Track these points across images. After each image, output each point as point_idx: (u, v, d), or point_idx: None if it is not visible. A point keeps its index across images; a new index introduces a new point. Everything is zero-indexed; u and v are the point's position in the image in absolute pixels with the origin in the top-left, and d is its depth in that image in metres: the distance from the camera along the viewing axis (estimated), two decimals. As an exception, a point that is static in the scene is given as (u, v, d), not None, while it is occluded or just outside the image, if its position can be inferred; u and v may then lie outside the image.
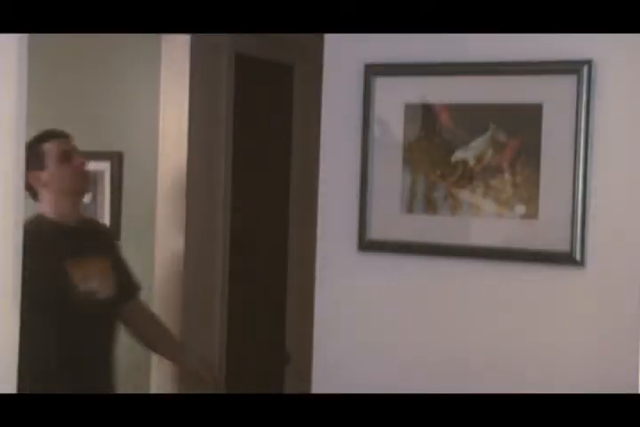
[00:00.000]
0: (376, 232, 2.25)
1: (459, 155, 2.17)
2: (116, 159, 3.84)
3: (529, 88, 2.10)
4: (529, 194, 2.11)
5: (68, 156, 3.12)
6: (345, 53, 2.28)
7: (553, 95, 2.08)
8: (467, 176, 2.16)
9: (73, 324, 3.06)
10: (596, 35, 2.01)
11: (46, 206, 3.11)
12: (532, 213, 2.11)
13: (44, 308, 2.98)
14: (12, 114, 2.39)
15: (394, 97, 2.23)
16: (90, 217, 3.43)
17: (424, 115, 2.20)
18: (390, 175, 2.23)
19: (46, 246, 3.02)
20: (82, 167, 3.15)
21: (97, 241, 3.23)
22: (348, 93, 2.27)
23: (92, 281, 3.07)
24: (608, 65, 2.04)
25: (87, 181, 3.23)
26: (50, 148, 3.11)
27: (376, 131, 2.24)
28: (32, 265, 2.91)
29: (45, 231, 3.08)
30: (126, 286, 3.20)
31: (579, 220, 2.06)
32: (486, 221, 2.16)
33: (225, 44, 3.89)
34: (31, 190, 3.09)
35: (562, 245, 2.08)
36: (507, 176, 2.12)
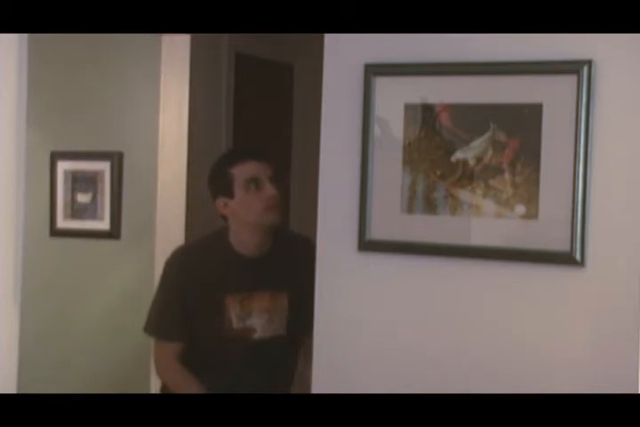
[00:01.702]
0: (376, 232, 2.25)
1: (459, 155, 2.17)
2: (116, 159, 3.84)
3: (529, 88, 2.10)
4: (529, 194, 2.11)
5: (258, 184, 2.75)
6: (345, 53, 2.28)
7: (553, 95, 2.08)
8: (467, 176, 2.16)
9: (226, 363, 2.81)
10: (595, 35, 2.01)
11: (232, 237, 2.83)
12: (532, 213, 2.11)
13: (200, 339, 2.83)
14: (12, 114, 2.39)
15: (394, 97, 2.23)
16: (288, 244, 2.92)
17: (424, 115, 2.20)
18: (390, 175, 2.23)
19: (211, 276, 2.80)
20: (272, 200, 2.76)
21: (278, 274, 2.86)
22: (348, 93, 2.27)
23: (253, 318, 2.80)
24: (608, 65, 2.04)
25: (277, 217, 2.79)
26: (238, 173, 2.76)
27: (376, 131, 2.24)
28: (194, 288, 2.80)
29: (217, 259, 2.83)
30: (305, 321, 2.78)
31: (579, 220, 2.06)
32: (486, 221, 2.16)
33: (225, 44, 3.89)
34: (221, 215, 2.86)
35: (562, 245, 2.08)
36: (507, 176, 2.12)
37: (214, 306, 2.79)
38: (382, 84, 2.24)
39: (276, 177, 2.81)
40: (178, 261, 2.89)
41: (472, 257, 2.17)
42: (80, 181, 3.90)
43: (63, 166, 3.92)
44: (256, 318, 2.81)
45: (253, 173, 2.76)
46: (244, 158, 2.79)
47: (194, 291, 2.81)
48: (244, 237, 2.82)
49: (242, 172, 2.76)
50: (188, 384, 2.81)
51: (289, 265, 2.88)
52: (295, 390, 3.03)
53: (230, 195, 2.78)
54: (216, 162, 2.90)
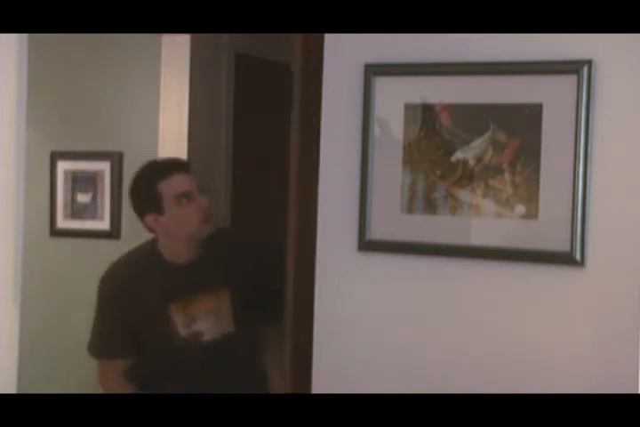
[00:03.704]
0: (376, 232, 2.25)
1: (459, 155, 2.17)
2: (116, 159, 3.84)
3: (529, 88, 2.10)
4: (529, 194, 2.11)
5: (189, 197, 2.70)
6: (345, 53, 2.28)
7: (553, 95, 2.08)
8: (467, 176, 2.16)
9: (181, 371, 2.80)
10: (595, 35, 2.01)
11: (163, 248, 2.79)
12: (532, 213, 2.11)
13: (149, 352, 2.82)
14: (12, 114, 2.39)
15: (394, 97, 2.23)
16: (220, 245, 2.85)
17: (424, 115, 2.20)
18: (390, 175, 2.23)
19: (148, 288, 2.78)
20: (206, 212, 2.72)
21: (215, 275, 2.81)
22: (348, 93, 2.27)
23: (199, 322, 2.77)
24: (608, 65, 2.04)
25: (212, 227, 2.75)
26: (167, 188, 2.69)
27: (376, 131, 2.24)
28: (133, 301, 2.78)
29: (151, 270, 2.80)
30: (251, 315, 2.86)
31: (579, 220, 2.06)
32: (486, 221, 2.16)
33: (225, 43, 3.90)
34: (148, 229, 2.80)
35: (562, 245, 2.08)
36: (507, 176, 2.12)
37: (157, 317, 2.76)
38: (382, 84, 2.24)
39: (202, 187, 2.75)
40: (112, 280, 2.86)
41: (472, 257, 2.17)
42: (80, 181, 3.90)
43: (63, 166, 3.92)
44: (202, 321, 2.78)
45: (183, 187, 2.70)
46: (171, 172, 2.71)
47: (133, 306, 2.78)
48: (177, 248, 2.77)
49: (171, 187, 2.69)
50: None
51: (225, 264, 2.83)
52: (273, 381, 3.00)
53: (160, 211, 2.71)
54: (138, 177, 2.81)
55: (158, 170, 2.75)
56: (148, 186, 2.72)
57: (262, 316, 2.87)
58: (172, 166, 2.76)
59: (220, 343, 2.81)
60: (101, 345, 2.86)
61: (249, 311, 2.84)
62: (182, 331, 2.77)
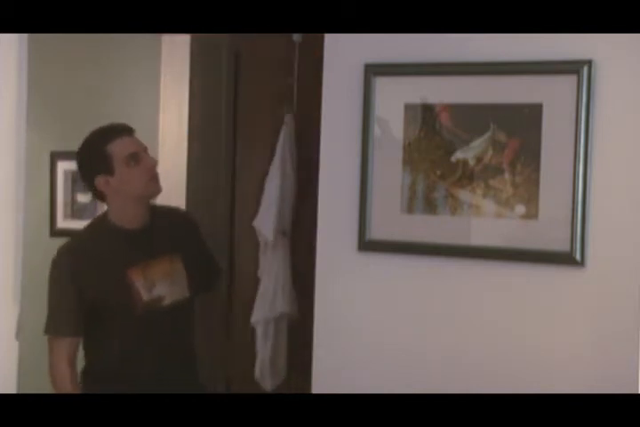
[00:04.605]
0: (376, 232, 2.25)
1: (459, 155, 2.17)
2: (116, 159, 3.83)
3: (529, 88, 2.10)
4: (529, 194, 2.11)
5: (137, 158, 2.75)
6: (345, 53, 2.28)
7: (553, 95, 2.08)
8: (467, 176, 2.16)
9: (139, 336, 2.82)
10: (595, 35, 2.01)
11: (113, 216, 2.82)
12: (532, 213, 2.11)
13: (114, 324, 2.80)
14: (12, 114, 2.39)
15: (394, 97, 2.23)
16: (165, 214, 2.97)
17: (424, 115, 2.20)
18: (390, 175, 2.23)
19: (105, 256, 2.79)
20: (154, 170, 2.79)
21: (166, 241, 2.87)
22: (348, 93, 2.27)
23: (159, 286, 2.80)
24: (608, 65, 2.04)
25: (160, 186, 2.83)
26: (117, 150, 2.74)
27: (376, 131, 2.24)
28: (91, 273, 2.83)
29: (105, 239, 2.82)
30: (199, 280, 2.92)
31: (579, 220, 2.06)
32: (486, 221, 2.16)
33: (225, 44, 3.89)
34: (98, 194, 2.83)
35: (562, 245, 2.08)
36: (507, 176, 2.13)
37: (118, 286, 2.77)
38: (382, 84, 2.24)
39: (146, 148, 2.83)
40: (65, 259, 2.82)
41: (472, 257, 2.17)
42: (80, 181, 3.89)
43: (63, 166, 3.92)
44: (161, 286, 2.81)
45: (132, 148, 2.75)
46: (119, 135, 2.77)
47: (91, 279, 2.79)
48: (127, 212, 2.82)
49: (120, 148, 2.74)
50: (70, 388, 2.80)
51: (173, 232, 2.91)
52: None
53: (110, 172, 2.76)
54: (87, 142, 2.84)
55: (106, 133, 2.80)
56: (98, 148, 2.76)
57: (204, 280, 2.97)
58: (118, 130, 2.81)
59: (178, 308, 2.85)
60: (60, 322, 2.84)
61: (200, 277, 2.91)
62: (145, 295, 2.79)
